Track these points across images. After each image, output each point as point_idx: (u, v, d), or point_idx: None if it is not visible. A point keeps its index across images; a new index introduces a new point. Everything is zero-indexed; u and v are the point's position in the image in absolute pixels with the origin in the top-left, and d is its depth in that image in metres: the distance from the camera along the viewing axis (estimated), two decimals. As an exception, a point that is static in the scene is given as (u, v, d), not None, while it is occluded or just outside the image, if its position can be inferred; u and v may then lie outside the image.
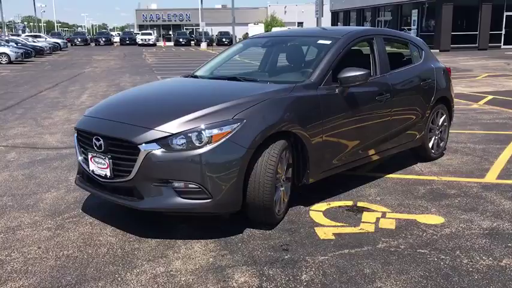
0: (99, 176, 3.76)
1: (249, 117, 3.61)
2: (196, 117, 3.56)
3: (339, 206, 4.30)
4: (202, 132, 3.46)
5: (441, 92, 5.72)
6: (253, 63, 6.16)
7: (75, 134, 4.08)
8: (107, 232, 3.78)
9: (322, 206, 4.31)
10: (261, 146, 3.61)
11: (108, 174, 3.66)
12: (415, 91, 5.34)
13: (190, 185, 3.45)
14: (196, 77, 5.05)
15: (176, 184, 3.47)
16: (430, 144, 5.74)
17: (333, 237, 3.64)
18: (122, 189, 3.67)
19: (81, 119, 4.15)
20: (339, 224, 3.89)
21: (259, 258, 3.31)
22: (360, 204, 4.35)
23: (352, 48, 4.93)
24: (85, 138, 3.90)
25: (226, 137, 3.47)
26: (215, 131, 3.47)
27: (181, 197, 3.47)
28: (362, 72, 4.27)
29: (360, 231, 3.76)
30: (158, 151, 3.43)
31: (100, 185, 3.83)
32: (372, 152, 4.80)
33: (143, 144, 3.44)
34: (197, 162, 3.41)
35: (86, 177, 4.04)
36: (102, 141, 3.66)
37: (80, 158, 4.01)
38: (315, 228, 3.81)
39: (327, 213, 4.13)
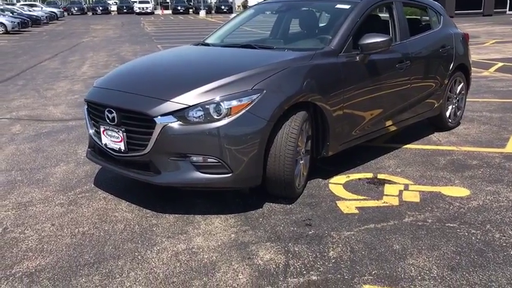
0: (113, 150, 3.60)
1: (268, 87, 3.43)
2: (214, 87, 3.38)
3: (359, 179, 4.16)
4: (221, 103, 3.28)
5: (460, 59, 5.52)
6: (262, 32, 5.93)
7: (85, 106, 3.91)
8: (122, 207, 3.66)
9: (341, 178, 4.17)
10: (281, 118, 3.44)
11: (123, 148, 3.51)
12: (434, 58, 5.15)
13: (209, 159, 3.30)
14: (207, 45, 4.83)
15: (194, 158, 3.32)
16: (448, 113, 5.58)
17: (357, 212, 3.51)
18: (137, 164, 3.53)
19: (91, 90, 3.96)
20: (360, 198, 3.76)
21: (282, 234, 3.19)
22: (380, 176, 4.22)
23: (371, 13, 4.70)
24: (96, 111, 3.73)
25: (246, 109, 3.30)
26: (234, 103, 3.30)
27: (200, 172, 3.33)
28: (384, 39, 4.07)
29: (384, 204, 3.64)
30: (175, 124, 3.27)
31: (113, 158, 3.68)
32: (391, 122, 4.64)
33: (159, 117, 3.27)
34: (215, 135, 3.25)
35: (97, 151, 3.89)
36: (115, 114, 3.49)
37: (91, 131, 3.84)
38: (337, 202, 3.69)
39: (347, 186, 4.00)
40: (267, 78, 3.47)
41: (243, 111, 3.30)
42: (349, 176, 4.21)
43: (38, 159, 4.88)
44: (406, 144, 5.12)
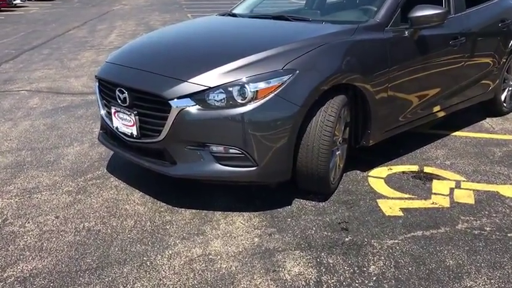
0: (124, 134, 3.20)
1: (302, 67, 2.93)
2: (239, 66, 2.90)
3: (403, 172, 3.66)
4: (246, 86, 2.81)
5: (521, 35, 4.85)
6: (297, 1, 5.37)
7: (96, 84, 3.50)
8: (135, 199, 3.28)
9: (382, 171, 3.67)
10: (316, 103, 2.96)
11: (135, 133, 3.10)
12: (492, 34, 4.51)
13: (231, 150, 2.86)
14: (235, 15, 4.32)
15: (214, 148, 2.88)
16: (503, 97, 4.96)
17: (401, 214, 3.03)
18: (150, 151, 3.12)
19: (103, 66, 3.54)
20: (405, 196, 3.27)
21: (314, 239, 2.75)
22: (427, 169, 3.70)
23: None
24: (107, 89, 3.32)
25: (275, 93, 2.82)
26: (261, 85, 2.82)
27: (220, 164, 2.89)
28: (439, 11, 3.49)
29: (433, 205, 3.14)
30: (193, 108, 2.82)
31: (126, 144, 3.28)
32: (441, 107, 4.08)
33: (175, 100, 2.83)
34: (239, 122, 2.79)
35: (110, 134, 3.50)
36: (126, 94, 3.07)
37: (103, 111, 3.45)
38: (378, 200, 3.21)
39: (389, 180, 3.51)
40: (301, 56, 2.98)
41: (272, 95, 2.82)
42: (391, 169, 3.71)
43: (52, 138, 4.54)
44: (454, 131, 4.56)
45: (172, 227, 2.90)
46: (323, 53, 3.06)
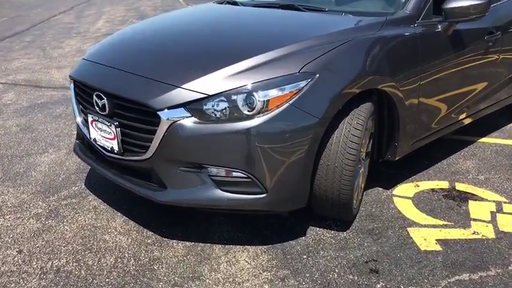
0: (104, 148, 2.64)
1: (323, 69, 2.37)
2: (245, 69, 2.34)
3: (432, 190, 3.13)
4: (254, 93, 2.25)
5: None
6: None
7: (72, 85, 2.92)
8: (116, 226, 2.72)
9: (408, 188, 3.14)
10: (339, 113, 2.41)
11: (116, 147, 2.54)
12: (526, 27, 3.98)
13: (234, 173, 2.31)
14: (236, 3, 3.73)
15: (214, 170, 2.32)
16: (532, 97, 4.44)
17: (439, 248, 2.50)
18: (135, 170, 2.56)
19: (79, 64, 2.95)
20: (440, 223, 2.74)
21: (338, 287, 2.21)
22: (459, 186, 3.17)
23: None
24: (84, 93, 2.74)
25: (290, 102, 2.26)
26: (273, 92, 2.26)
27: (221, 189, 2.34)
28: (478, 2, 2.94)
29: (475, 236, 2.61)
30: (187, 121, 2.26)
31: (106, 159, 2.72)
32: (471, 111, 3.56)
33: (165, 111, 2.27)
34: (245, 139, 2.24)
35: (87, 145, 2.93)
36: (105, 101, 2.50)
37: (79, 119, 2.87)
38: (408, 229, 2.68)
39: (418, 201, 2.98)
40: (321, 56, 2.41)
41: (286, 104, 2.26)
42: (418, 185, 3.18)
43: (24, 142, 3.96)
44: (480, 137, 4.03)
45: (162, 267, 2.35)
46: (347, 52, 2.50)
